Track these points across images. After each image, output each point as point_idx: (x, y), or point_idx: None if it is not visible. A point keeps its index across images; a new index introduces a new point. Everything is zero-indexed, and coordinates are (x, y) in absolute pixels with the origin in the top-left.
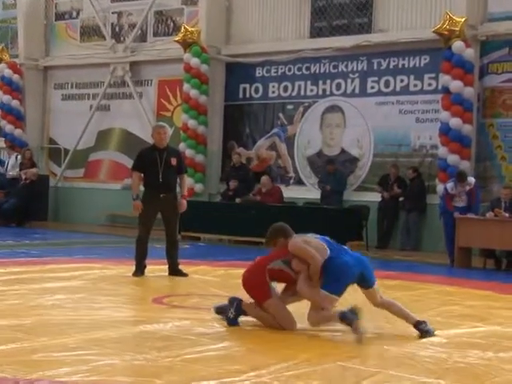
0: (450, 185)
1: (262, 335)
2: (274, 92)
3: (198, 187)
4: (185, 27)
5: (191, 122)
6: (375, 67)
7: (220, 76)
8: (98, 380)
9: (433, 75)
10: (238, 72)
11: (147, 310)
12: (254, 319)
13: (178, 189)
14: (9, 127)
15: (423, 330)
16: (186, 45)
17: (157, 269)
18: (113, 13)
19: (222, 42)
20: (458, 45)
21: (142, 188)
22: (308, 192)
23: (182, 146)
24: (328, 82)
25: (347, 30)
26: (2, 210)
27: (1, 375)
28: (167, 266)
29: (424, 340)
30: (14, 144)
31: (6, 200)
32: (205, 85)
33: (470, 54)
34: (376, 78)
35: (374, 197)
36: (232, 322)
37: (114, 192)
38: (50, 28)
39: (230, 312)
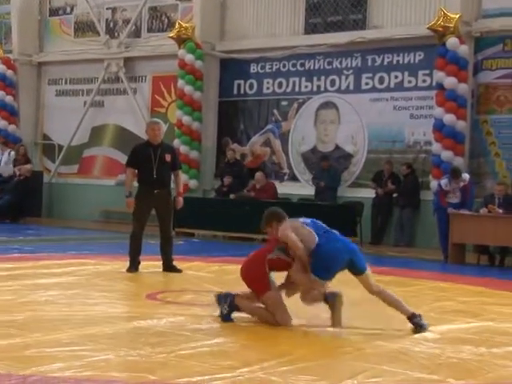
0: (444, 181)
1: (255, 331)
2: (268, 88)
3: (193, 183)
4: (179, 23)
5: (185, 119)
6: (369, 63)
7: (214, 72)
8: (92, 375)
9: (427, 71)
10: (232, 68)
11: (141, 305)
12: (248, 315)
13: (172, 185)
14: (2, 123)
15: (417, 324)
16: (181, 41)
17: (151, 265)
18: (107, 8)
19: (216, 38)
20: (452, 41)
21: (136, 184)
22: (302, 188)
23: (176, 143)
24: (322, 78)
25: (342, 27)
26: None
27: None
28: (161, 262)
29: (417, 336)
30: (8, 140)
31: (0, 196)
32: (199, 81)
33: (464, 50)
34: (370, 75)
35: (368, 193)
36: (226, 318)
37: (108, 188)
38: (43, 23)
39: (224, 308)
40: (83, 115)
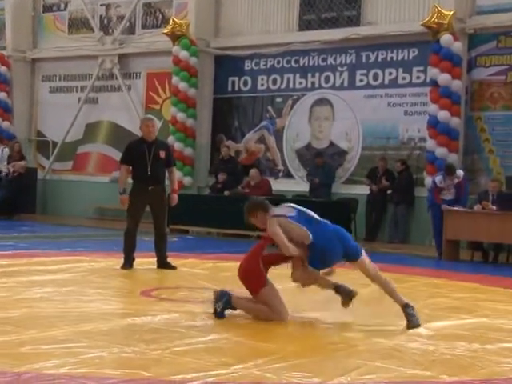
0: (438, 178)
1: (250, 328)
2: (262, 85)
3: (187, 180)
4: (173, 20)
5: (180, 115)
6: (364, 60)
7: (209, 69)
8: (87, 372)
9: (421, 68)
10: (226, 65)
11: (136, 302)
12: (243, 312)
13: (166, 182)
14: None
15: (408, 313)
16: (175, 37)
17: (145, 262)
18: (101, 5)
19: (210, 34)
20: (446, 38)
21: (130, 181)
22: (297, 185)
23: (170, 139)
24: (317, 74)
25: (336, 23)
26: None
27: None
28: (156, 259)
29: (411, 332)
30: (2, 136)
31: None
32: (194, 78)
33: (458, 47)
34: (365, 71)
35: (362, 190)
36: (219, 315)
37: (103, 185)
38: (37, 20)
39: (218, 305)
40: (77, 112)
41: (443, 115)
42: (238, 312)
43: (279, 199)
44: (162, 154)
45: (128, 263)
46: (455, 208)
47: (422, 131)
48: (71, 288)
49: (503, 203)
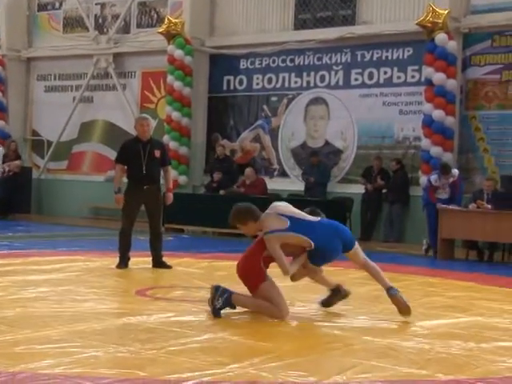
0: (433, 177)
1: (245, 327)
2: (258, 84)
3: (182, 179)
4: (168, 19)
5: (175, 114)
6: (359, 59)
7: (204, 68)
8: (82, 372)
9: (416, 67)
10: (222, 64)
11: (131, 302)
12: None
13: (161, 181)
14: None
15: (392, 295)
16: (170, 36)
17: (140, 261)
18: (96, 4)
19: (205, 33)
20: (440, 37)
21: (125, 180)
22: (292, 184)
23: (165, 138)
24: (312, 73)
25: (331, 22)
26: None
27: None
28: (151, 258)
29: (406, 331)
30: None
31: None
32: (189, 77)
33: (452, 46)
34: (360, 70)
35: (357, 189)
36: (216, 313)
37: (98, 184)
38: (32, 19)
39: (217, 302)
40: (72, 111)
41: (438, 114)
42: (233, 311)
43: (274, 198)
44: (157, 153)
45: (123, 262)
46: (450, 207)
47: (417, 130)
48: (66, 287)
49: (498, 202)
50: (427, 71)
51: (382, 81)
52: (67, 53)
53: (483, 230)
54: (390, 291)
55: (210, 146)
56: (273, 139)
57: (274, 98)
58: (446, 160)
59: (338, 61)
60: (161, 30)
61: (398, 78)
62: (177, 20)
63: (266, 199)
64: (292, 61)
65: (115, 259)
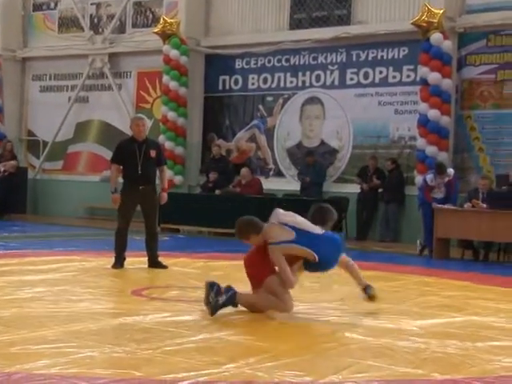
0: (429, 177)
1: (242, 327)
2: (253, 84)
3: (178, 179)
4: (164, 19)
5: (171, 114)
6: (354, 59)
7: (199, 68)
8: (77, 372)
9: (411, 67)
10: (217, 64)
11: (126, 302)
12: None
13: (157, 181)
14: None
15: (369, 294)
16: (165, 36)
17: (136, 261)
18: (91, 4)
19: (201, 33)
20: (436, 37)
21: (121, 180)
22: (288, 184)
23: (161, 138)
24: (307, 73)
25: (326, 22)
26: None
27: None
28: (147, 258)
29: (402, 330)
30: None
31: None
32: (184, 76)
33: (448, 45)
34: (355, 70)
35: (353, 188)
36: (215, 311)
37: (93, 184)
38: (27, 19)
39: (221, 298)
40: (68, 111)
41: (433, 114)
42: (229, 311)
43: (270, 198)
44: (153, 153)
45: (119, 262)
46: (445, 206)
47: (413, 130)
48: (62, 288)
49: (493, 201)
50: (422, 71)
51: (377, 80)
52: (62, 53)
53: (478, 230)
54: (367, 290)
55: (205, 146)
56: (268, 139)
57: (269, 98)
58: (441, 159)
59: (334, 60)
60: (156, 30)
61: (394, 77)
62: (172, 20)
63: (261, 199)
64: (287, 61)
65: (111, 259)
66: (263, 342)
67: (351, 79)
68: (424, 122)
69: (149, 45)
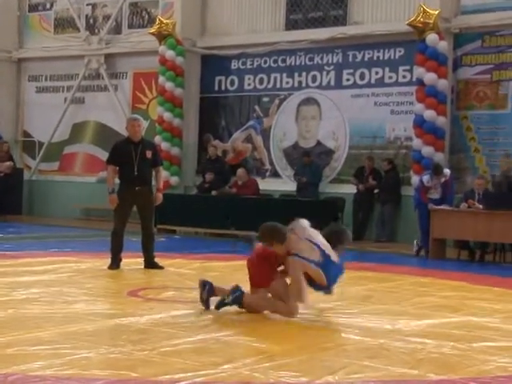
0: (425, 177)
1: (238, 327)
2: (249, 84)
3: (174, 180)
4: (160, 19)
5: (167, 115)
6: (350, 59)
7: (195, 68)
8: (73, 374)
9: (407, 67)
10: (213, 64)
11: (122, 303)
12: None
13: (153, 182)
14: None
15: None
16: (161, 37)
17: (132, 262)
18: (87, 4)
19: (197, 34)
20: (431, 37)
21: (117, 181)
22: (284, 184)
23: (157, 139)
24: (303, 74)
25: (322, 23)
26: None
27: None
28: (143, 259)
29: (399, 331)
30: None
31: None
32: (180, 77)
33: (443, 46)
34: (351, 71)
35: (349, 189)
36: (219, 308)
37: (89, 185)
38: (23, 19)
39: (228, 297)
40: (64, 112)
41: (429, 114)
42: (227, 311)
43: (266, 199)
44: (149, 154)
45: (115, 263)
46: (442, 207)
47: (409, 130)
48: (58, 289)
49: (489, 202)
50: (418, 71)
51: (373, 81)
52: (58, 53)
53: (474, 230)
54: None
55: (201, 147)
56: (265, 140)
57: (265, 99)
58: (437, 160)
59: (330, 61)
60: (152, 31)
61: (390, 78)
62: (168, 21)
63: (258, 200)
64: (283, 61)
65: (107, 260)
66: (260, 342)
67: (347, 80)
68: (420, 123)
69: (145, 45)
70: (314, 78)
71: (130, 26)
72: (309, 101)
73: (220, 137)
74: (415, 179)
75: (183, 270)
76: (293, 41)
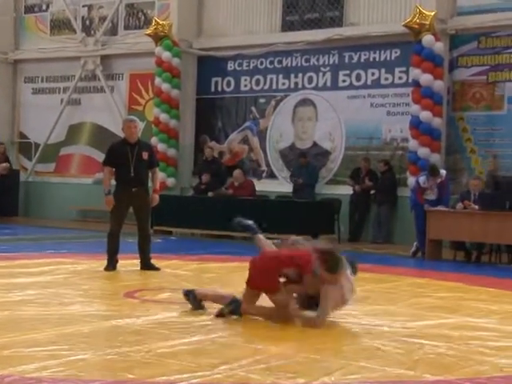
0: (422, 178)
1: (234, 329)
2: (245, 86)
3: (170, 181)
4: (156, 20)
5: (163, 116)
6: (346, 61)
7: (192, 69)
8: (69, 375)
9: (403, 69)
10: (209, 65)
11: (119, 304)
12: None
13: (149, 183)
14: None
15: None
16: (158, 38)
17: (129, 263)
18: (83, 6)
19: (193, 35)
20: (427, 38)
21: (113, 182)
22: (280, 185)
23: (153, 140)
24: (300, 75)
25: (319, 24)
26: None
27: None
28: (139, 261)
29: (395, 332)
30: None
31: None
32: (176, 78)
33: (439, 47)
34: (347, 72)
35: (345, 190)
36: (219, 315)
37: (86, 186)
38: (19, 21)
39: (226, 307)
40: (60, 113)
41: (425, 115)
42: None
43: (263, 200)
44: (145, 155)
45: (111, 265)
46: (438, 208)
47: (405, 131)
48: (54, 290)
49: (485, 202)
50: (414, 72)
51: (369, 82)
52: (54, 55)
53: (470, 231)
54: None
55: (198, 148)
56: (261, 141)
57: (261, 100)
58: (433, 161)
59: (326, 62)
60: (148, 32)
61: (386, 79)
62: (164, 22)
63: (254, 201)
64: (280, 62)
65: (103, 261)
66: (256, 344)
67: (343, 81)
68: (416, 124)
69: (141, 47)
70: (311, 79)
71: (127, 28)
72: (305, 102)
73: (216, 138)
74: (411, 180)
75: (180, 272)
76: (289, 42)
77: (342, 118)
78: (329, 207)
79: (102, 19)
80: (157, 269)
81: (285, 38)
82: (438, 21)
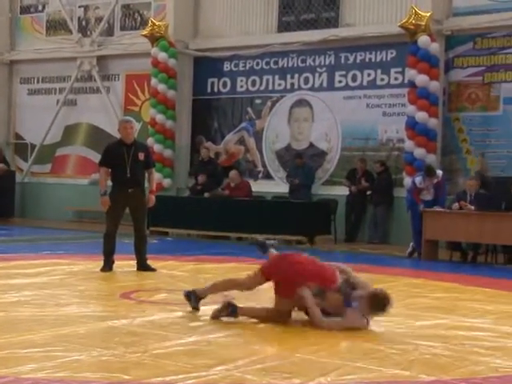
0: (418, 179)
1: (230, 330)
2: (242, 86)
3: (167, 182)
4: (152, 21)
5: (159, 117)
6: (342, 61)
7: (188, 70)
8: (65, 376)
9: (399, 69)
10: (205, 66)
11: (115, 305)
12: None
13: (146, 184)
14: None
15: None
16: (154, 39)
17: (125, 264)
18: (79, 6)
19: (189, 36)
20: (423, 39)
21: (109, 183)
22: (276, 186)
23: (150, 141)
24: (296, 76)
25: (315, 25)
26: None
27: None
28: (135, 261)
29: (391, 332)
30: None
31: None
32: (173, 79)
33: (435, 48)
34: (343, 72)
35: (341, 190)
36: (215, 317)
37: (82, 187)
38: (15, 21)
39: (223, 311)
40: (56, 114)
41: (421, 116)
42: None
43: (259, 201)
44: (141, 156)
45: (107, 266)
46: (434, 208)
47: (401, 132)
48: (49, 291)
49: (481, 203)
50: (410, 73)
51: (365, 83)
52: (50, 55)
53: (466, 231)
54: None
55: (194, 149)
56: (257, 141)
57: (258, 101)
58: (429, 161)
59: (322, 63)
60: (144, 33)
61: (382, 80)
62: (160, 23)
63: (250, 202)
64: (276, 63)
65: (99, 262)
66: (251, 344)
67: (339, 82)
68: (412, 125)
69: (137, 47)
70: (307, 80)
71: (123, 28)
72: (301, 103)
73: (212, 139)
74: (407, 181)
75: (176, 272)
76: (285, 43)
77: (338, 119)
78: (325, 208)
79: (98, 20)
80: (153, 270)
81: (281, 39)
82: (434, 21)
